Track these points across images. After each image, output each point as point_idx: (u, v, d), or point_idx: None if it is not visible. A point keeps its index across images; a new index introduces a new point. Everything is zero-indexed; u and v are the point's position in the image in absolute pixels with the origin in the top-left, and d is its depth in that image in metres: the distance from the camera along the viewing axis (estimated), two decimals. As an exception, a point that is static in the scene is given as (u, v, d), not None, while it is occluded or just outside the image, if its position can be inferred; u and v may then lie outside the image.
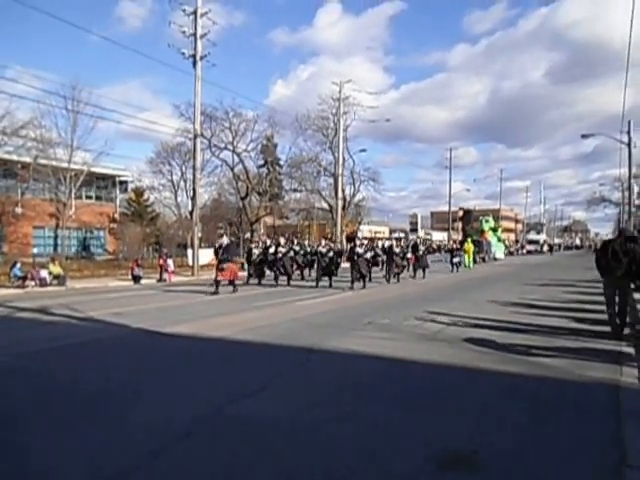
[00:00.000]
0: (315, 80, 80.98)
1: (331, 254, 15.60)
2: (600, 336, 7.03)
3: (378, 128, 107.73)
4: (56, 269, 17.01)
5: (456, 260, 23.43)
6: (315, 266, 16.65)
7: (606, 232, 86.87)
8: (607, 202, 53.08)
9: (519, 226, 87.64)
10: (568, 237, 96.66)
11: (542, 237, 66.82)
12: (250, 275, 16.95)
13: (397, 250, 17.39)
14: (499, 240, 39.54)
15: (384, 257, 18.87)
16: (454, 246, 26.09)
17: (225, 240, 14.03)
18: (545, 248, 59.39)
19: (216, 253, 13.98)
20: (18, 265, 16.63)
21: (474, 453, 3.18)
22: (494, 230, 39.20)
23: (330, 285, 15.02)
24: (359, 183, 40.54)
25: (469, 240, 30.63)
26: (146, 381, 5.04)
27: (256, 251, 16.98)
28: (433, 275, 19.63)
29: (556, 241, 73.05)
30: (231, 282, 13.47)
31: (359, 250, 15.07)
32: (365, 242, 16.69)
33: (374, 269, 17.87)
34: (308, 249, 18.32)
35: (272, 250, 16.51)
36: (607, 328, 7.31)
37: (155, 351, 6.58)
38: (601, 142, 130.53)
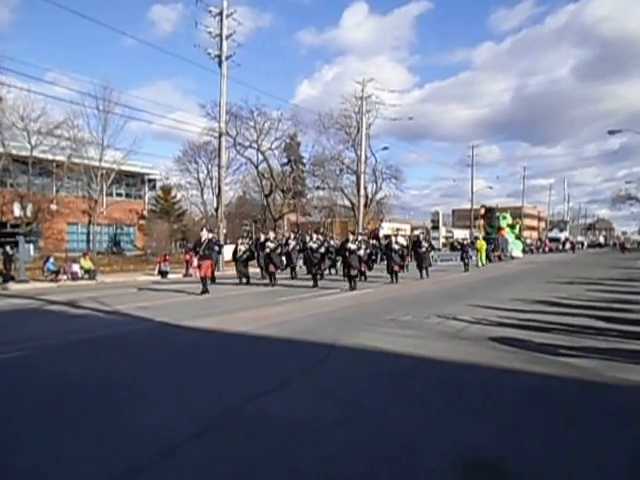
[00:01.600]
0: (340, 80, 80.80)
1: (322, 250, 14.58)
2: (631, 336, 6.79)
3: (401, 126, 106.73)
4: (87, 264, 17.50)
5: (467, 257, 22.06)
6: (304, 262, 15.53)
7: (632, 230, 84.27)
8: (633, 200, 51.41)
9: (542, 224, 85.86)
10: (592, 235, 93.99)
11: (564, 235, 64.75)
12: (241, 276, 15.68)
13: (396, 247, 15.82)
14: (517, 238, 37.88)
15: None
16: (464, 242, 24.51)
17: (205, 235, 12.87)
18: (567, 246, 57.55)
19: (194, 249, 13.08)
20: (51, 260, 17.19)
21: (500, 459, 3.05)
22: (512, 227, 37.60)
23: (315, 284, 14.05)
24: (381, 181, 40.42)
25: (481, 237, 29.34)
26: (165, 376, 5.09)
27: (242, 247, 15.81)
28: (447, 274, 19.26)
29: (579, 239, 70.95)
30: (202, 279, 12.45)
31: (351, 246, 13.57)
32: (359, 237, 14.94)
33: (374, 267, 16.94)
34: (315, 245, 15.49)
35: (268, 244, 15.01)
36: (638, 328, 7.08)
37: (176, 345, 6.64)
38: (628, 139, 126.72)
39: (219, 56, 21.78)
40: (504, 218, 37.79)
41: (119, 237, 33.49)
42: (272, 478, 2.85)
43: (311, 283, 14.34)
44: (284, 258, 16.62)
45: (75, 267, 17.02)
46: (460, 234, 45.33)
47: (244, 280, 15.37)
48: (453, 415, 3.85)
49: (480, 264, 25.27)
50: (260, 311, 9.53)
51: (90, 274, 17.06)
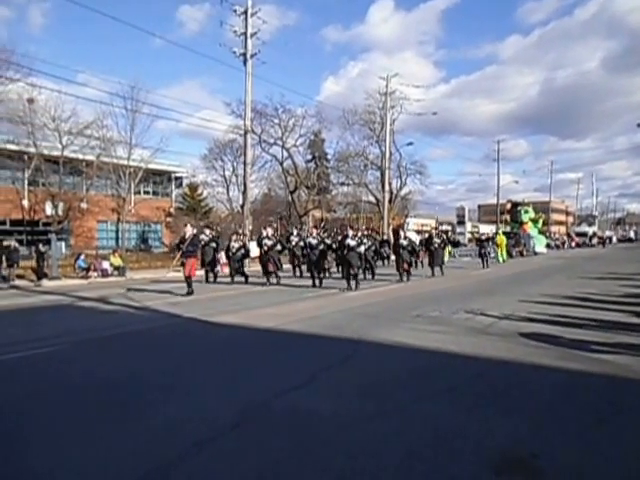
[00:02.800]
0: (365, 76, 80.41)
1: (322, 247, 13.55)
2: (668, 333, 6.57)
3: (426, 122, 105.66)
4: (117, 261, 17.89)
5: (485, 253, 20.76)
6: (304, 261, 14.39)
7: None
8: (665, 193, 49.48)
9: (570, 219, 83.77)
10: (622, 230, 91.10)
11: (591, 229, 62.55)
12: (233, 274, 14.62)
13: (405, 243, 14.59)
14: (540, 232, 36.31)
15: (388, 251, 17.24)
16: (482, 237, 22.89)
17: (189, 231, 11.95)
18: (594, 241, 55.44)
19: (178, 247, 12.12)
20: (82, 257, 17.64)
21: (534, 457, 2.98)
22: (535, 221, 36.07)
23: (318, 284, 12.96)
24: (406, 176, 40.08)
25: (501, 232, 27.94)
26: (195, 371, 5.15)
27: (235, 245, 14.70)
28: (466, 270, 18.86)
29: (608, 234, 68.70)
30: (187, 279, 11.44)
31: (350, 242, 12.28)
32: (359, 233, 13.63)
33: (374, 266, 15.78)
34: (314, 242, 14.00)
35: (266, 242, 14.07)
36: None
37: (205, 341, 6.72)
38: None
39: (244, 54, 21.95)
40: (526, 212, 36.32)
41: (147, 234, 34.11)
42: (300, 473, 2.85)
43: (315, 283, 13.22)
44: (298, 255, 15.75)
45: (105, 264, 17.42)
46: (486, 229, 44.48)
47: (241, 279, 14.40)
48: (484, 411, 3.78)
49: (501, 260, 24.31)
50: (285, 307, 9.57)
51: (120, 271, 17.43)
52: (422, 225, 53.25)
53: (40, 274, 15.75)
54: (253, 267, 19.12)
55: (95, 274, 16.77)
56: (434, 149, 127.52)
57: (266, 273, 13.81)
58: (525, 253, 31.36)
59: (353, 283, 12.28)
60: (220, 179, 38.54)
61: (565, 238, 53.67)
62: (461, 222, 54.10)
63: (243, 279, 14.42)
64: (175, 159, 34.15)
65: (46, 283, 15.04)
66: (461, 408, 3.85)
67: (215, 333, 7.20)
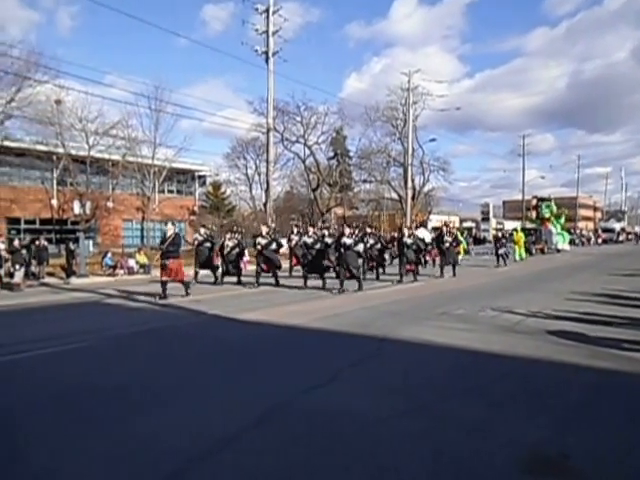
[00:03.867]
0: (388, 72, 79.55)
1: (319, 246, 12.40)
2: None
3: (450, 117, 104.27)
4: (142, 258, 18.19)
5: (502, 251, 19.51)
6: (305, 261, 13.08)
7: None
8: (698, 188, 47.49)
9: (598, 214, 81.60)
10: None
11: (619, 225, 60.08)
12: (225, 273, 13.70)
13: (409, 241, 13.51)
14: (563, 228, 34.14)
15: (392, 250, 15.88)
16: (499, 235, 21.20)
17: (170, 230, 11.03)
18: (622, 237, 52.83)
19: (159, 248, 11.10)
20: (109, 255, 18.01)
21: (564, 457, 2.91)
22: (557, 217, 33.98)
23: (321, 285, 12.05)
24: (429, 173, 39.73)
25: (518, 229, 26.38)
26: (221, 367, 5.20)
27: (230, 243, 13.71)
28: (487, 269, 18.43)
29: (637, 229, 66.43)
30: (181, 282, 10.83)
31: (347, 240, 11.41)
32: (357, 230, 12.57)
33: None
34: (310, 241, 12.97)
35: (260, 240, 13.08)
36: None
37: (230, 338, 6.76)
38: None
39: (266, 53, 22.07)
40: (547, 207, 34.14)
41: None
42: (325, 471, 2.84)
43: (306, 283, 12.41)
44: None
45: (131, 262, 17.75)
46: (511, 226, 43.66)
47: (235, 279, 13.49)
48: (513, 410, 3.73)
49: (519, 258, 22.91)
50: (308, 304, 9.57)
51: (145, 269, 17.73)
52: (445, 222, 52.69)
53: (69, 272, 16.13)
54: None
55: (121, 272, 17.10)
56: (458, 145, 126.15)
57: (257, 273, 12.77)
58: (546, 250, 30.05)
59: (356, 284, 11.38)
60: (243, 177, 38.96)
61: (591, 234, 52.04)
62: (485, 219, 53.28)
63: (236, 279, 13.41)
64: (198, 158, 34.70)
65: (75, 280, 15.40)
66: (489, 407, 3.79)
67: (240, 330, 7.24)
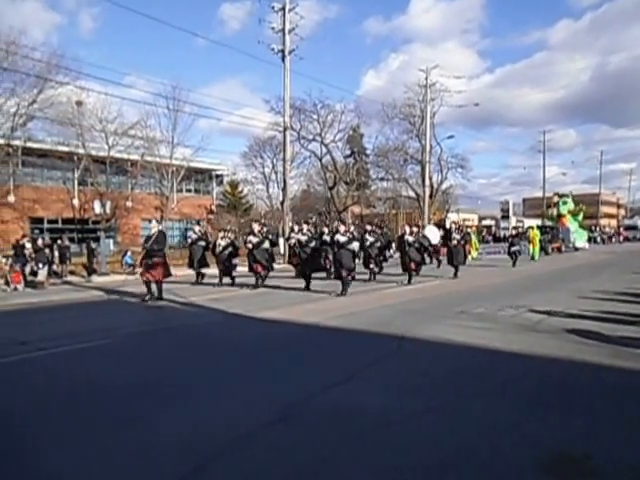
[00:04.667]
0: (406, 69, 78.54)
1: (313, 244, 11.64)
2: None
3: (468, 114, 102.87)
4: (161, 257, 18.41)
5: (514, 249, 18.71)
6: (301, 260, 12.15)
7: None
8: None
9: (622, 211, 79.75)
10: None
11: None
12: (222, 274, 13.12)
13: (410, 239, 12.72)
14: (581, 226, 32.77)
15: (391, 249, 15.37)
16: (512, 233, 20.27)
17: (155, 227, 10.42)
18: None
19: (143, 246, 10.64)
20: (129, 254, 18.28)
21: (587, 458, 2.87)
22: (574, 214, 32.66)
23: (307, 286, 11.42)
24: (447, 170, 39.37)
25: (534, 226, 25.36)
26: (241, 365, 5.24)
27: (222, 242, 13.06)
28: (503, 269, 18.19)
29: None
30: (157, 283, 10.15)
31: (340, 238, 10.76)
32: (351, 228, 11.79)
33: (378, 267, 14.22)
34: (303, 238, 12.07)
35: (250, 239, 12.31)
36: None
37: (250, 336, 6.82)
38: None
39: (282, 51, 22.13)
40: (564, 203, 32.98)
41: (189, 232, 34.99)
42: (344, 469, 2.84)
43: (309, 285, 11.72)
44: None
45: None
46: (531, 223, 42.98)
47: (229, 280, 12.94)
48: (533, 410, 3.68)
49: (536, 257, 21.95)
50: (325, 303, 9.58)
51: (164, 267, 17.93)
52: (464, 220, 52.21)
53: (90, 270, 16.43)
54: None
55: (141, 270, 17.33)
56: (477, 142, 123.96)
57: (255, 274, 12.21)
58: (563, 249, 28.88)
59: (346, 286, 10.66)
60: (260, 176, 39.14)
61: (612, 232, 50.66)
62: (505, 216, 52.41)
63: (230, 280, 12.86)
64: (216, 157, 35.01)
65: (96, 279, 15.67)
66: (510, 406, 3.75)
67: (259, 328, 7.30)
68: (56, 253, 16.33)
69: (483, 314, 7.72)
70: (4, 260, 14.57)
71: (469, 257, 20.91)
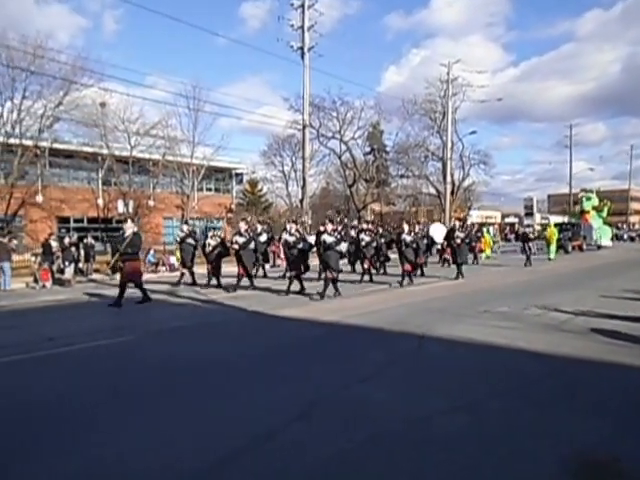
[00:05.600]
0: (428, 64, 77.14)
1: (301, 245, 10.82)
2: None
3: (492, 109, 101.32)
4: (182, 256, 18.64)
5: (527, 248, 17.79)
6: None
7: None
8: None
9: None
10: None
11: None
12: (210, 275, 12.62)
13: (408, 239, 11.97)
14: (605, 223, 31.16)
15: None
16: (526, 231, 19.05)
17: (129, 228, 9.92)
18: None
19: (116, 249, 10.22)
20: (152, 252, 18.54)
21: (615, 461, 2.80)
22: (599, 210, 31.13)
23: (288, 290, 10.52)
24: (469, 167, 38.94)
25: (551, 224, 23.79)
26: (264, 362, 5.27)
27: (212, 242, 12.54)
28: (523, 268, 17.89)
29: None
30: (136, 285, 9.81)
31: (327, 239, 10.09)
32: (340, 227, 10.87)
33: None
34: (291, 239, 11.03)
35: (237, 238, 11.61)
36: None
37: (271, 333, 6.85)
38: None
39: (301, 48, 22.11)
40: (588, 199, 31.43)
41: (209, 230, 35.34)
42: (370, 464, 2.84)
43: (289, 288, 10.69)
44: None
45: (172, 259, 18.21)
46: (556, 221, 42.08)
47: (216, 281, 12.30)
48: (560, 411, 3.61)
49: (552, 256, 20.49)
50: (345, 301, 9.55)
51: (185, 265, 18.15)
52: (486, 217, 51.50)
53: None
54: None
55: (164, 268, 17.58)
56: (500, 137, 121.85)
57: (237, 276, 11.60)
58: (585, 247, 27.57)
59: (332, 289, 10.07)
60: (279, 175, 39.35)
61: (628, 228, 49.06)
62: (529, 214, 51.41)
63: (216, 282, 12.19)
64: (236, 156, 35.06)
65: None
66: (535, 407, 3.69)
67: (280, 326, 7.33)
68: (82, 252, 16.66)
69: (507, 313, 7.60)
70: (33, 258, 14.97)
71: (482, 256, 20.54)
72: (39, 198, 25.98)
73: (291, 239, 10.94)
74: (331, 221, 10.92)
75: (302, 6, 22.10)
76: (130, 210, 27.05)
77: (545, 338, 5.82)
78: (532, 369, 4.67)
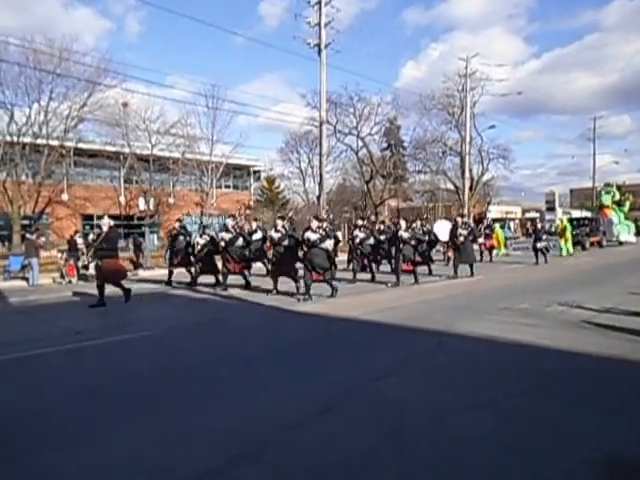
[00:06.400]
0: (447, 59, 75.95)
1: (286, 242, 10.08)
2: None
3: (512, 103, 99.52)
4: (202, 252, 18.86)
5: (540, 245, 16.61)
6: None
7: None
8: None
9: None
10: None
11: None
12: (199, 273, 12.17)
13: (405, 235, 11.22)
14: (627, 218, 29.76)
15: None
16: (536, 226, 18.02)
17: (106, 224, 9.63)
18: None
19: (88, 244, 9.80)
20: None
21: None
22: (620, 205, 29.82)
23: (275, 288, 10.23)
24: (488, 161, 38.34)
25: (565, 219, 22.52)
26: (285, 358, 5.32)
27: (201, 241, 12.11)
28: (541, 265, 17.54)
29: None
30: (116, 284, 9.36)
31: (311, 236, 9.49)
32: (324, 224, 10.14)
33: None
34: (277, 236, 10.31)
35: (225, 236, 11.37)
36: None
37: (290, 329, 6.91)
38: None
39: (318, 45, 22.08)
40: (607, 193, 30.11)
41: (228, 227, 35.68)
42: (389, 462, 2.86)
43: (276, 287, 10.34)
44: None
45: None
46: (577, 216, 41.24)
47: (215, 281, 11.93)
48: (585, 410, 3.58)
49: (565, 253, 19.78)
50: (363, 297, 9.58)
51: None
52: (506, 213, 50.82)
53: (137, 264, 17.02)
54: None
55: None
56: (520, 131, 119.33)
57: (224, 273, 11.28)
58: (605, 243, 26.45)
59: (334, 291, 9.63)
60: (296, 171, 39.43)
61: None
62: (551, 208, 50.35)
63: (189, 281, 11.97)
64: (253, 153, 35.39)
65: (142, 273, 16.22)
66: (559, 406, 3.66)
67: (299, 322, 7.38)
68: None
69: (528, 310, 7.53)
70: (59, 255, 15.34)
71: (499, 253, 20.00)
72: (65, 196, 26.63)
73: (276, 235, 10.23)
74: (316, 218, 10.35)
75: (319, 3, 22.06)
76: (151, 207, 27.46)
77: (568, 335, 5.77)
78: (557, 367, 4.63)
